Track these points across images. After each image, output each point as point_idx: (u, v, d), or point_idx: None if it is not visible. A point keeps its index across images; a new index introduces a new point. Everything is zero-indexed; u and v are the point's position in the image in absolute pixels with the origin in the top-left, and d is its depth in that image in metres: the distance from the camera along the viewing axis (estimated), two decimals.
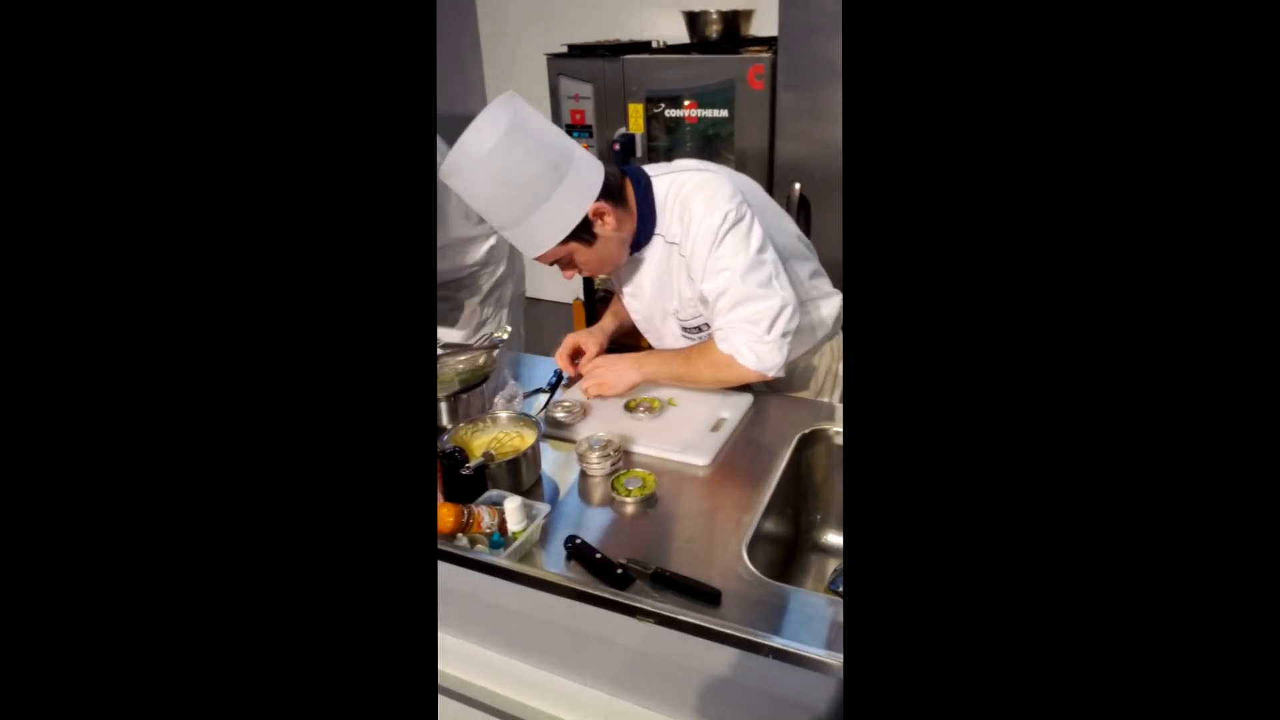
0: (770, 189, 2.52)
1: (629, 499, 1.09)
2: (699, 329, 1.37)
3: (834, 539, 1.32)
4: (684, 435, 1.24)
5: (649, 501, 1.10)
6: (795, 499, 1.29)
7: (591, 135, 2.80)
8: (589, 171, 1.19)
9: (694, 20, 2.77)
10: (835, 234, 2.29)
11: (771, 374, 1.25)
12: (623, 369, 1.35)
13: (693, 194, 1.24)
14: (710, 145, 2.67)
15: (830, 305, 1.45)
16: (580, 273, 1.30)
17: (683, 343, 1.41)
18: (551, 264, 1.26)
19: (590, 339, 1.47)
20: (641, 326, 1.49)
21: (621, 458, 1.16)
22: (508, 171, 1.12)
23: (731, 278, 1.21)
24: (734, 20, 2.74)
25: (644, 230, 1.28)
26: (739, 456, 1.22)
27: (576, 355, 1.46)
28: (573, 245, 1.21)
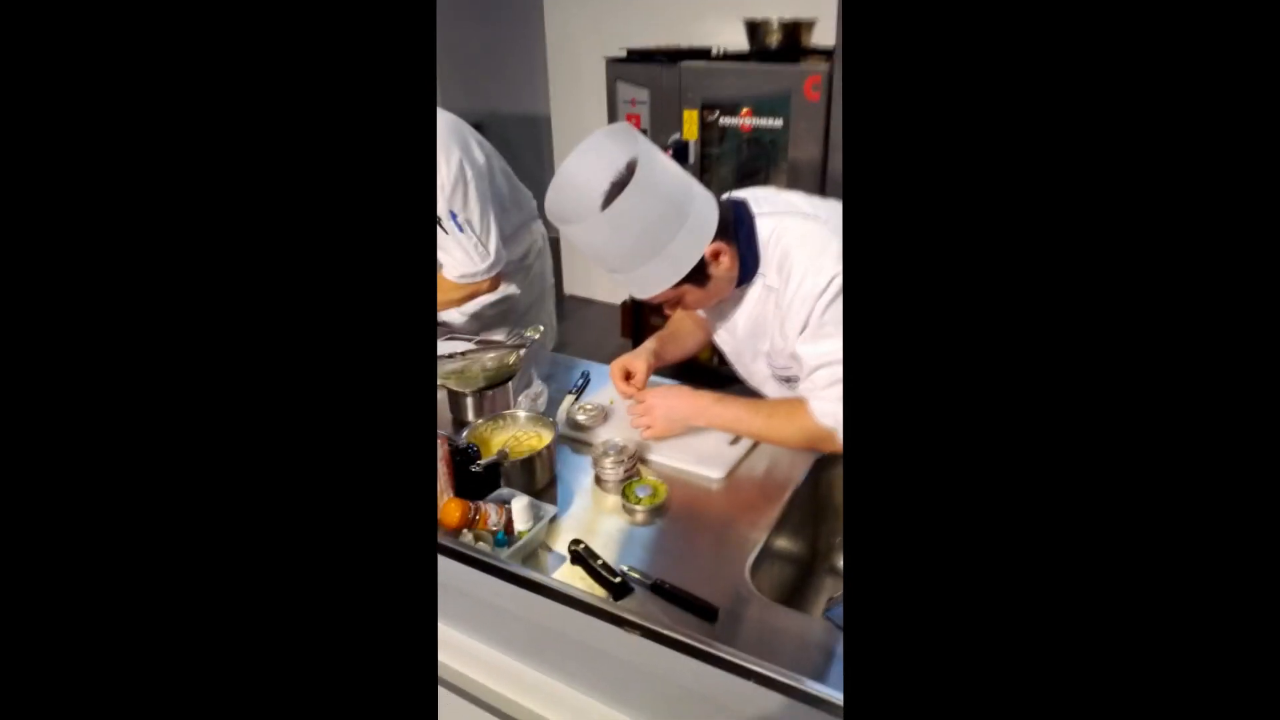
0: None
1: (639, 507, 1.08)
2: (788, 380, 1.30)
3: None
4: (701, 447, 1.23)
5: (658, 511, 1.09)
6: (813, 519, 1.27)
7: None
8: (708, 210, 1.12)
9: (754, 29, 2.75)
10: None
11: None
12: (681, 410, 1.26)
13: (796, 246, 1.17)
14: (764, 154, 2.65)
15: None
16: (685, 309, 1.25)
17: (771, 385, 1.35)
18: (658, 304, 1.20)
19: (639, 360, 1.38)
20: (730, 358, 1.42)
21: (636, 464, 1.16)
22: (630, 222, 1.04)
23: (837, 347, 1.12)
24: (795, 30, 2.71)
25: (745, 269, 1.21)
26: (755, 473, 1.21)
27: (629, 377, 1.38)
28: (685, 287, 1.14)
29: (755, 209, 1.22)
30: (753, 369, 1.38)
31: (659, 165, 1.07)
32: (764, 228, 1.21)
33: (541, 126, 4.05)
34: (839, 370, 1.14)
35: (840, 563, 1.30)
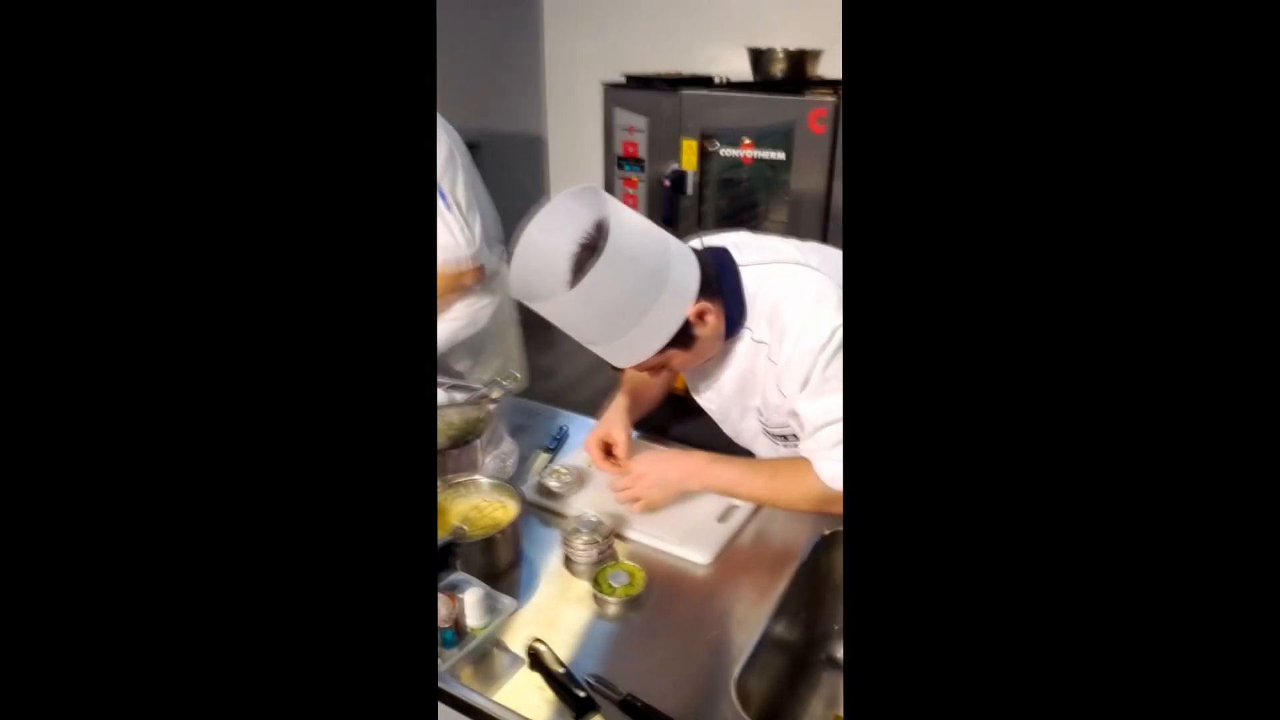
0: (825, 236, 2.38)
1: (611, 598, 0.95)
2: (786, 438, 1.18)
3: None
4: (686, 523, 1.10)
5: (635, 603, 0.96)
6: (811, 603, 1.13)
7: (643, 169, 2.69)
8: (687, 269, 1.01)
9: (759, 57, 2.66)
10: None
11: None
12: (673, 474, 1.14)
13: (789, 297, 1.05)
14: (765, 187, 2.54)
15: None
16: (671, 372, 1.14)
17: (763, 441, 1.23)
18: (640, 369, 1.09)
19: (619, 427, 1.23)
20: (716, 417, 1.29)
21: (611, 544, 1.03)
22: (604, 295, 0.94)
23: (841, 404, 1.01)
24: (800, 60, 2.61)
25: (730, 323, 1.09)
26: (747, 555, 1.08)
27: (608, 450, 1.23)
28: (670, 352, 1.03)
29: (738, 257, 1.11)
30: (741, 427, 1.25)
31: (630, 228, 0.95)
32: (750, 278, 1.09)
33: (539, 148, 3.96)
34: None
35: (839, 652, 1.17)
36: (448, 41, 4.52)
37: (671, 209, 2.64)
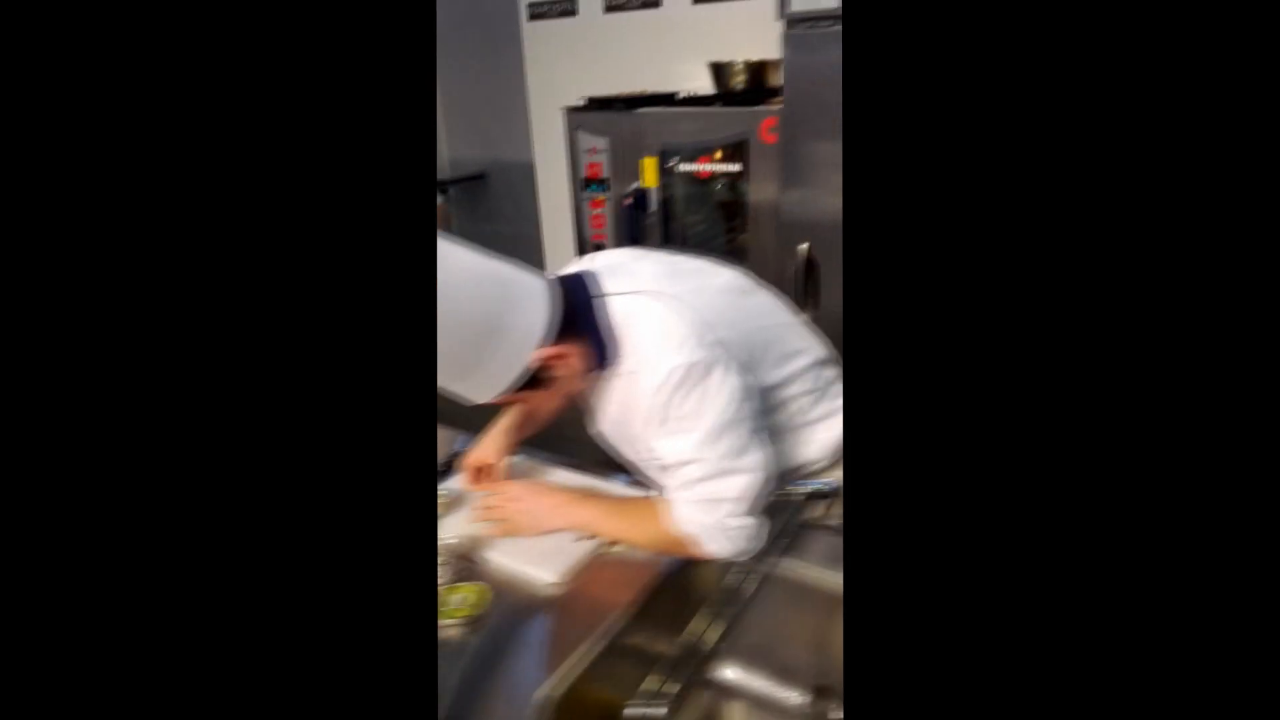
0: (776, 247, 2.35)
1: (444, 621, 0.95)
2: (664, 469, 1.17)
3: (732, 675, 1.13)
4: (542, 542, 1.09)
5: (469, 626, 0.96)
6: (685, 615, 1.11)
7: (608, 189, 2.71)
8: (531, 315, 0.99)
9: (720, 71, 2.65)
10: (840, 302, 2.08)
11: (747, 557, 1.07)
12: (537, 510, 1.14)
13: (646, 330, 1.05)
14: (726, 200, 2.53)
15: (831, 429, 1.21)
16: (536, 408, 1.17)
17: (651, 470, 1.21)
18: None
19: (494, 450, 1.25)
20: (608, 443, 1.27)
21: (459, 565, 1.03)
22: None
23: (692, 444, 1.00)
24: (760, 71, 2.60)
25: (604, 355, 1.07)
26: (605, 573, 1.06)
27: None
28: (524, 392, 1.02)
29: (609, 285, 1.09)
30: (628, 455, 1.24)
31: (454, 275, 0.93)
32: (618, 308, 1.07)
33: (532, 174, 4.02)
34: (697, 469, 1.01)
35: (716, 674, 1.14)
36: (453, 82, 4.60)
37: (635, 228, 2.64)
